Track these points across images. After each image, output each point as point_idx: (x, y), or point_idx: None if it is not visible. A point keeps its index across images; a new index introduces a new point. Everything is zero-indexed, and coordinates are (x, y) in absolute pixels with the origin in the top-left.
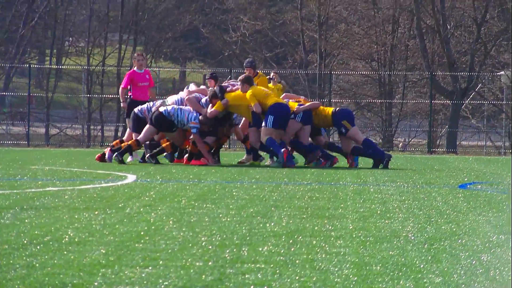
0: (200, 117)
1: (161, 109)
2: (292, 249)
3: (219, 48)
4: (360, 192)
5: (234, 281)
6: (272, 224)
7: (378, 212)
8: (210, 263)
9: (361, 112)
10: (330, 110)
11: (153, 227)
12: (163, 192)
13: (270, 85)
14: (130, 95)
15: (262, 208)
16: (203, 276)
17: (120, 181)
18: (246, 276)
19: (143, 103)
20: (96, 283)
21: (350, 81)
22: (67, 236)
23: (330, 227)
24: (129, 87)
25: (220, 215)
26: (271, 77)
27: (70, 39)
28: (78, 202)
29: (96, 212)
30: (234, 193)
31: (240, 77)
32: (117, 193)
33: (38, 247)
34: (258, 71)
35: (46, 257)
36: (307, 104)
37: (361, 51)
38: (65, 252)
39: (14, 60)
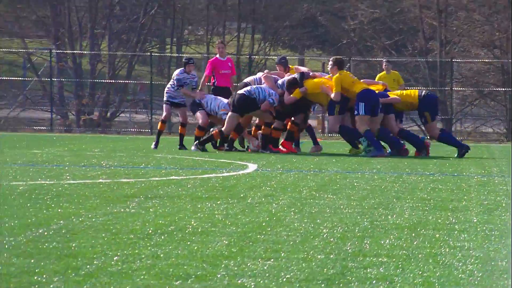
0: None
1: (241, 91)
2: (415, 243)
3: (337, 36)
4: (484, 183)
5: (356, 275)
6: (394, 216)
7: (504, 204)
8: (331, 256)
9: (484, 100)
10: (416, 94)
11: (274, 218)
12: (284, 182)
13: (383, 73)
14: (214, 82)
15: (384, 199)
16: (325, 269)
17: (241, 170)
18: (368, 270)
19: (226, 89)
20: (219, 275)
21: (472, 68)
22: (190, 226)
23: (453, 220)
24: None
25: (341, 206)
26: (384, 66)
27: (189, 27)
28: (201, 191)
29: (219, 202)
30: (355, 184)
31: (332, 58)
32: (239, 183)
33: (162, 237)
34: (291, 66)
35: (170, 247)
36: (389, 98)
37: (482, 38)
38: (188, 243)
39: (135, 49)
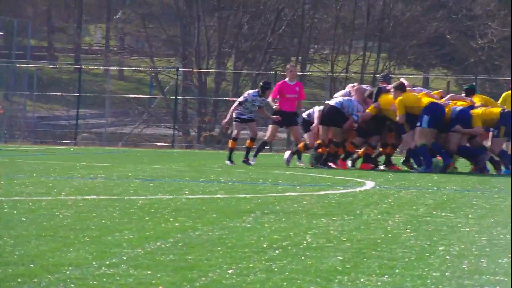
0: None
1: (331, 102)
2: None
3: (465, 55)
4: None
5: None
6: None
7: None
8: (447, 274)
9: None
10: (498, 111)
11: (390, 235)
12: (401, 199)
13: (509, 92)
14: (277, 105)
15: (503, 218)
16: (440, 286)
17: (359, 187)
18: None
19: (289, 114)
20: None
21: None
22: (305, 242)
23: None
24: (278, 97)
25: (459, 224)
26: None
27: (315, 46)
28: (317, 208)
29: (334, 218)
30: (474, 202)
31: (393, 84)
32: (355, 199)
33: (277, 251)
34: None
35: (284, 262)
36: (470, 130)
37: None
38: (302, 258)
39: (260, 67)
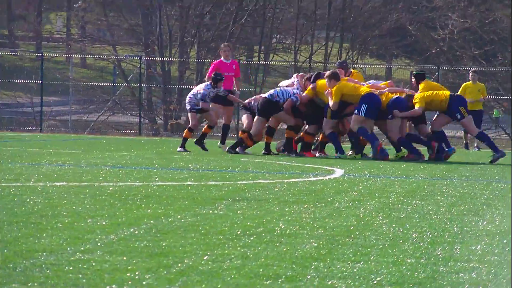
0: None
1: (264, 94)
2: (507, 249)
3: (426, 46)
4: None
5: (448, 279)
6: (485, 222)
7: None
8: (422, 260)
9: None
10: (447, 94)
11: (362, 222)
12: (371, 187)
13: (469, 83)
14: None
15: (473, 206)
16: (416, 273)
17: (328, 175)
18: (460, 275)
19: (228, 92)
20: (309, 276)
21: None
22: (278, 228)
23: None
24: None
25: (430, 212)
26: (470, 76)
27: (278, 36)
28: (288, 195)
29: (306, 206)
30: (444, 190)
31: (326, 73)
32: (326, 187)
33: (251, 238)
34: (352, 70)
35: (259, 248)
36: (409, 112)
37: None
38: (277, 244)
39: None
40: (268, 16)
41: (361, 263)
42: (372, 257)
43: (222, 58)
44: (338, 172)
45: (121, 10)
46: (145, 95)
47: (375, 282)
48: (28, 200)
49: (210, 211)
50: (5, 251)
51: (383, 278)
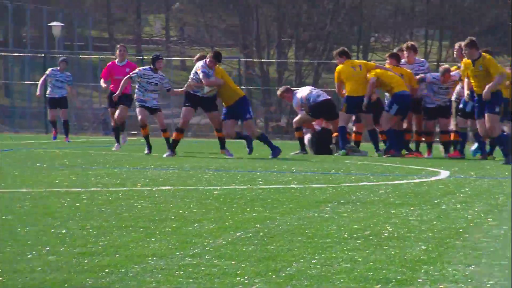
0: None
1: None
2: None
3: None
4: None
5: None
6: None
7: None
8: None
9: None
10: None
11: (471, 224)
12: (478, 188)
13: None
14: (106, 86)
15: None
16: None
17: (433, 176)
18: None
19: (122, 97)
20: (419, 280)
21: None
22: (385, 231)
23: None
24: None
25: None
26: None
27: (376, 34)
28: (393, 197)
29: (412, 208)
30: None
31: (334, 52)
32: (431, 189)
33: (358, 241)
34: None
35: (367, 251)
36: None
37: None
38: (385, 248)
39: (321, 57)
40: (365, 13)
41: (473, 266)
42: (484, 260)
43: (116, 60)
44: (443, 174)
45: (218, 11)
46: None
47: (488, 285)
48: (135, 204)
49: (316, 214)
50: (116, 255)
51: (496, 281)
